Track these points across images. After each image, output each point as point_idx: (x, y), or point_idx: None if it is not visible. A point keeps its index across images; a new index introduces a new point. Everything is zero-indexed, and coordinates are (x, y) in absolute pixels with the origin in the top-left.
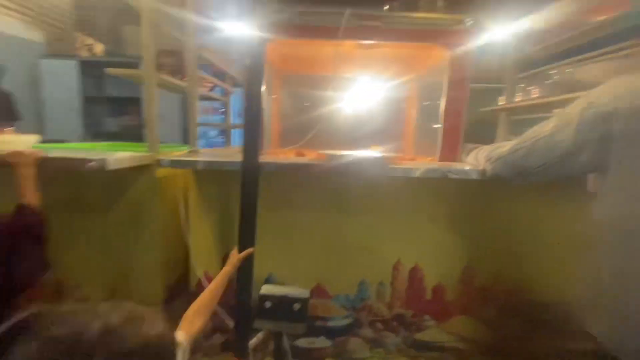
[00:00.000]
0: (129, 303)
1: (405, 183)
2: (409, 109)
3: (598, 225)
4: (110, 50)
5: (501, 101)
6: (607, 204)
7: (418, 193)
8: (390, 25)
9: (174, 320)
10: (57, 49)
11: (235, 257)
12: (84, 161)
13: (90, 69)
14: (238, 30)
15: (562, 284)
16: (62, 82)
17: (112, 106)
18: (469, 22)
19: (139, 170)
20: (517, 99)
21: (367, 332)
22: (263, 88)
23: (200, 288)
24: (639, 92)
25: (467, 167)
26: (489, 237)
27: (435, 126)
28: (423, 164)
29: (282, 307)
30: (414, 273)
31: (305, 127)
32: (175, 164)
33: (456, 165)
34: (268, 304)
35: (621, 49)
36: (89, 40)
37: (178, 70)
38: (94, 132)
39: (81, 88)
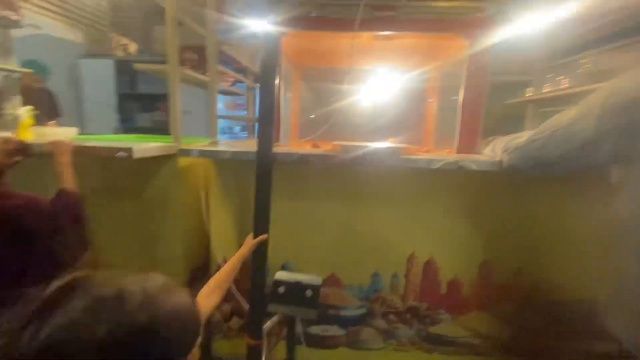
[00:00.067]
0: (162, 275)
1: (420, 174)
2: (428, 101)
3: (622, 220)
4: (143, 49)
5: (528, 93)
6: (631, 196)
7: (434, 185)
8: (409, 15)
9: None
10: (95, 49)
11: (250, 241)
12: (113, 150)
13: (125, 68)
14: (256, 25)
15: (584, 282)
16: (99, 80)
17: (144, 102)
18: (491, 10)
19: (163, 159)
20: (545, 90)
21: (381, 323)
22: (277, 81)
23: None
24: None
25: (483, 159)
26: (508, 232)
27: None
28: (438, 155)
29: (295, 293)
30: (429, 266)
31: (324, 119)
32: (194, 153)
33: (472, 157)
34: (282, 289)
35: None
36: (124, 41)
37: (200, 65)
38: (128, 127)
39: (116, 86)
